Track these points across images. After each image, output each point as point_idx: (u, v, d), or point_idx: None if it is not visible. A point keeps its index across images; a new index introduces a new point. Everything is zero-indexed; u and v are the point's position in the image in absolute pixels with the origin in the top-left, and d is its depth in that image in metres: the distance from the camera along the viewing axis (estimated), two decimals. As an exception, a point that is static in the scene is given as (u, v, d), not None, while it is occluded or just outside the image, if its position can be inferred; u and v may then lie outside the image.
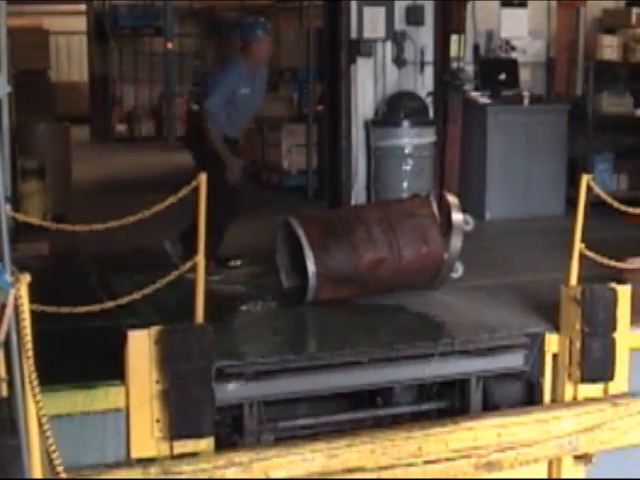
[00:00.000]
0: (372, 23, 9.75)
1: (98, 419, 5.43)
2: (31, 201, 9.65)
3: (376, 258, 7.01)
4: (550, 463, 6.43)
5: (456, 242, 7.18)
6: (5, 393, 4.84)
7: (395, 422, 6.34)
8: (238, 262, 8.34)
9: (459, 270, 7.34)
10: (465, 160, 10.51)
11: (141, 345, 5.45)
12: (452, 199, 7.34)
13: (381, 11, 9.79)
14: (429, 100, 9.99)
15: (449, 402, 6.58)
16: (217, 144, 7.79)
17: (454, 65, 10.55)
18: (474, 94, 10.89)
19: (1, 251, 4.78)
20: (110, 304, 5.75)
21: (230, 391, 5.85)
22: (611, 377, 6.48)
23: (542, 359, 6.55)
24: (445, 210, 7.35)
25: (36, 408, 4.85)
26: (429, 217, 7.23)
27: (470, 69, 11.01)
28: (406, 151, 9.53)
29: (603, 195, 6.76)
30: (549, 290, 6.93)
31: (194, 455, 5.51)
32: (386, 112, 9.61)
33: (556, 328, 6.58)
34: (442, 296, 7.33)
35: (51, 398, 5.10)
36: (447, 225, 7.24)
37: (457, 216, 7.23)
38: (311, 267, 6.85)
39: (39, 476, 4.85)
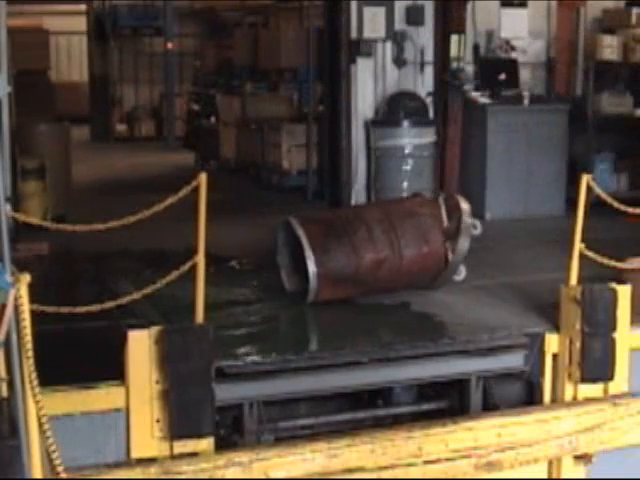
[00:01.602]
0: (372, 23, 9.76)
1: (98, 419, 5.42)
2: (31, 201, 9.65)
3: (377, 258, 7.00)
4: (550, 463, 6.42)
5: (463, 245, 7.16)
6: (5, 393, 4.84)
7: (395, 422, 6.34)
8: (238, 262, 8.34)
9: (462, 273, 7.31)
10: (465, 160, 10.51)
11: (141, 345, 5.45)
12: (464, 204, 7.27)
13: (381, 11, 9.80)
14: (429, 100, 9.99)
15: (449, 402, 6.57)
16: None
17: (454, 65, 10.56)
18: (474, 94, 10.88)
19: (1, 251, 4.78)
20: (110, 304, 5.75)
21: (230, 391, 5.85)
22: (611, 377, 6.48)
23: (542, 359, 6.55)
24: (451, 213, 7.31)
25: (36, 408, 4.86)
26: (430, 216, 7.22)
27: (470, 69, 11.01)
28: (406, 151, 9.53)
29: (603, 195, 6.76)
30: (549, 290, 6.92)
31: (194, 455, 5.50)
32: (386, 112, 9.61)
33: (556, 328, 6.58)
34: (442, 296, 7.32)
35: (51, 398, 5.10)
36: (455, 228, 7.19)
37: (467, 219, 7.20)
38: (312, 268, 6.84)
39: (39, 476, 4.85)
